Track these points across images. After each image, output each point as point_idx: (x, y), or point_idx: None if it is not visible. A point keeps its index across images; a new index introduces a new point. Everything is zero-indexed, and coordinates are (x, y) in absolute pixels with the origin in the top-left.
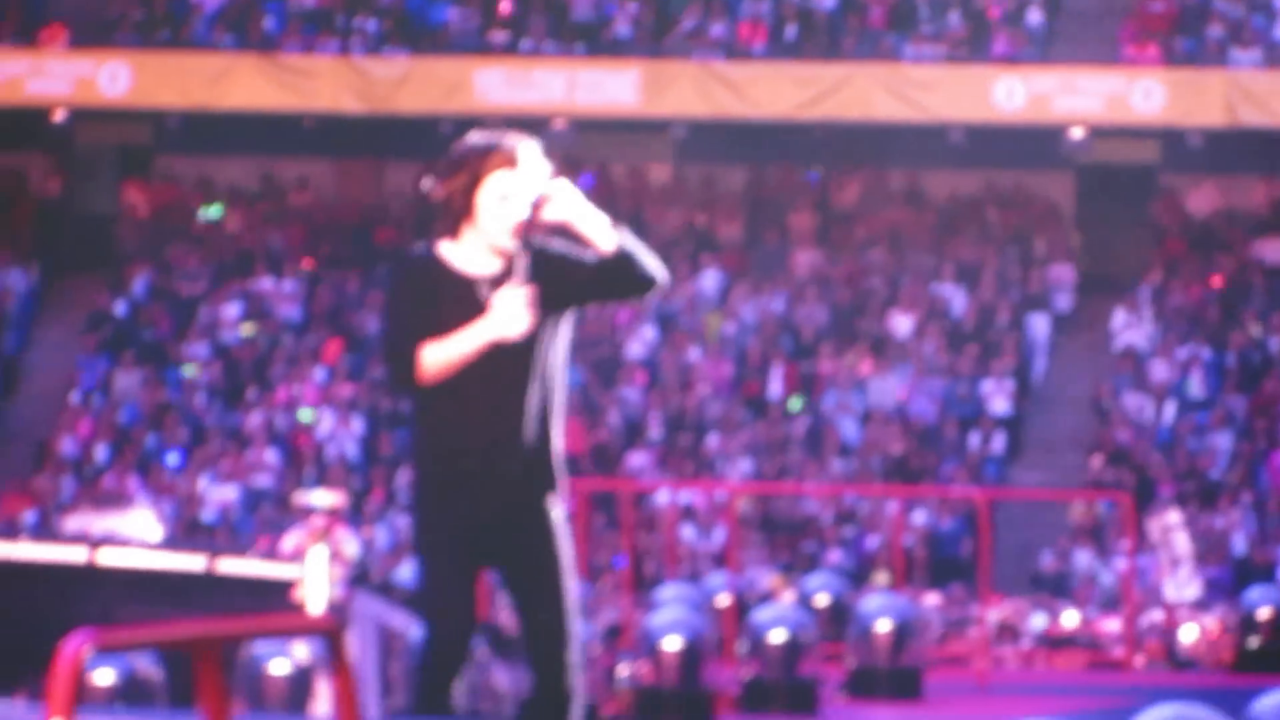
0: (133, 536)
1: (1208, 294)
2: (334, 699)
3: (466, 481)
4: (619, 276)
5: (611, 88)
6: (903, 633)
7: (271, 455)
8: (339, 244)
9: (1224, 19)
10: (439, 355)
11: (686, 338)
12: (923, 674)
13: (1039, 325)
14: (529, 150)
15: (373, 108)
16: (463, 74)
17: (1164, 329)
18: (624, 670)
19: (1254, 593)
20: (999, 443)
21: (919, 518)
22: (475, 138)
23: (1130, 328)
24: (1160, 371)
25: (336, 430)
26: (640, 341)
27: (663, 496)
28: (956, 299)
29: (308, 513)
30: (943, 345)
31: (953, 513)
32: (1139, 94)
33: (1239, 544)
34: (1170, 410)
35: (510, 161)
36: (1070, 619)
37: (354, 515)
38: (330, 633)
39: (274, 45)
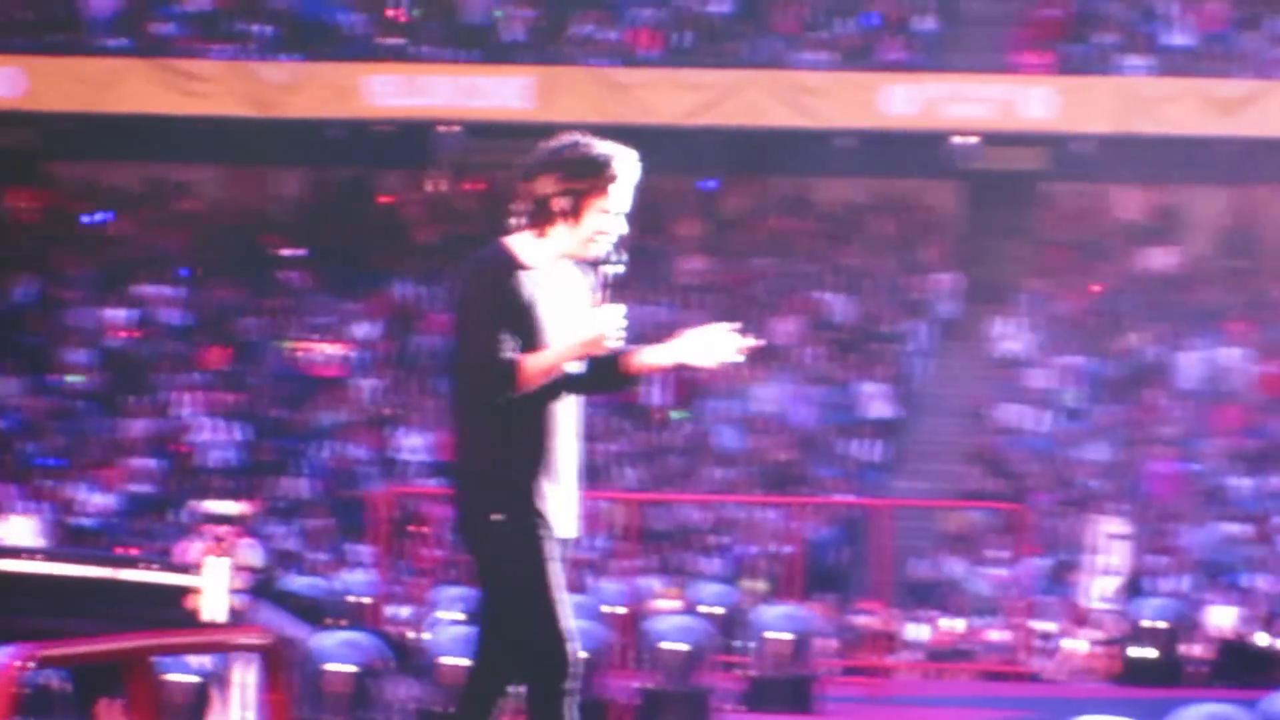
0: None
1: (1088, 302)
2: (269, 715)
3: (562, 497)
4: None
5: (503, 93)
6: (799, 643)
7: (152, 462)
8: (224, 250)
9: (1116, 26)
10: (540, 365)
11: None
12: (818, 685)
13: (921, 333)
14: (633, 168)
15: (263, 112)
16: (353, 79)
17: (1044, 337)
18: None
19: (1144, 604)
20: (879, 450)
21: (798, 526)
22: (591, 145)
23: (1010, 336)
24: (1039, 380)
25: (217, 437)
26: None
27: None
28: (840, 306)
29: (209, 521)
30: (825, 353)
31: (831, 521)
32: (1029, 101)
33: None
34: (1048, 419)
35: (624, 177)
36: (957, 628)
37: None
38: (269, 650)
39: (166, 50)
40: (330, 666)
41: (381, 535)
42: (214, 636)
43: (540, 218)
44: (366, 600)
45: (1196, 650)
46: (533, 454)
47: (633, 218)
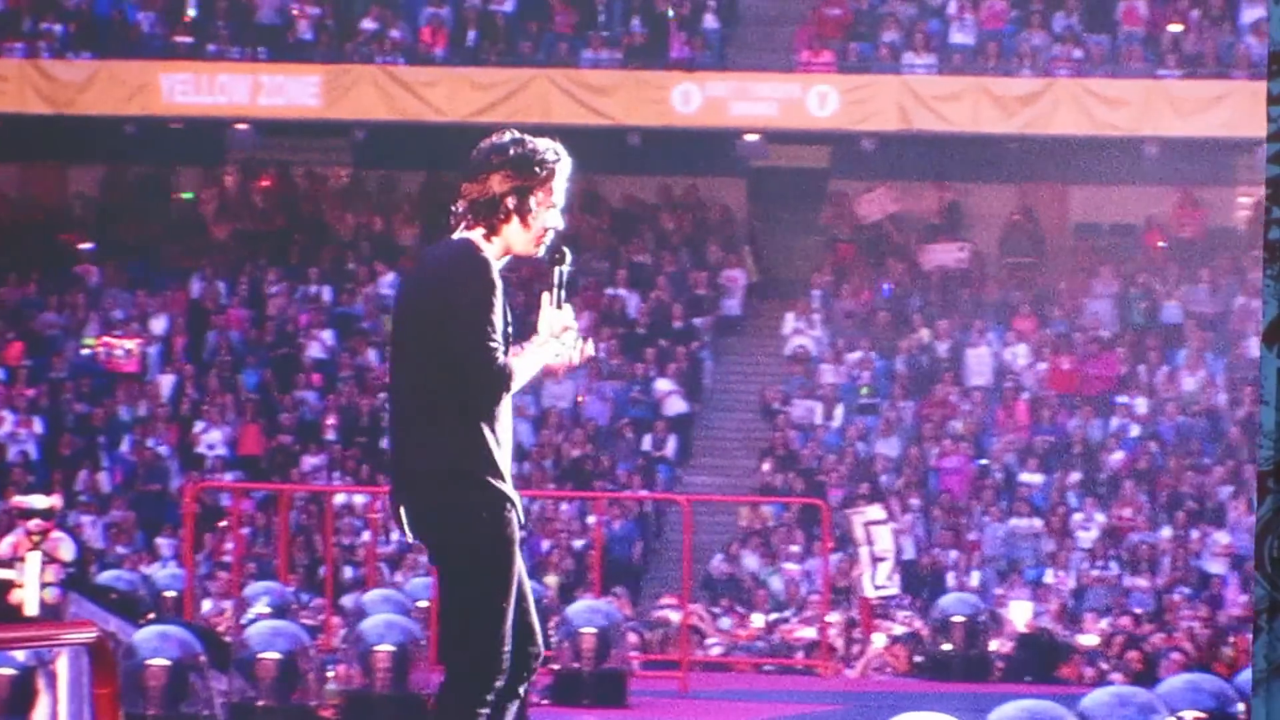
0: None
1: (877, 298)
2: (96, 710)
3: (510, 486)
4: None
5: (293, 91)
6: (607, 638)
7: None
8: (20, 246)
9: (898, 24)
10: (524, 371)
11: (364, 340)
12: (626, 679)
13: (711, 329)
14: (569, 161)
15: (58, 109)
16: (148, 77)
17: (833, 333)
18: (330, 674)
19: (946, 599)
20: (672, 446)
21: (594, 521)
22: (532, 140)
23: (800, 332)
24: (829, 375)
25: (16, 430)
26: (318, 344)
27: (339, 499)
28: (631, 302)
29: (21, 515)
30: (617, 348)
31: (625, 516)
32: (814, 99)
33: (907, 548)
34: (839, 414)
35: (565, 171)
36: (757, 622)
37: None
38: (96, 645)
39: None
40: (149, 661)
41: (188, 530)
42: (42, 630)
43: (491, 216)
44: (174, 594)
45: (995, 645)
46: (501, 452)
47: (426, 215)
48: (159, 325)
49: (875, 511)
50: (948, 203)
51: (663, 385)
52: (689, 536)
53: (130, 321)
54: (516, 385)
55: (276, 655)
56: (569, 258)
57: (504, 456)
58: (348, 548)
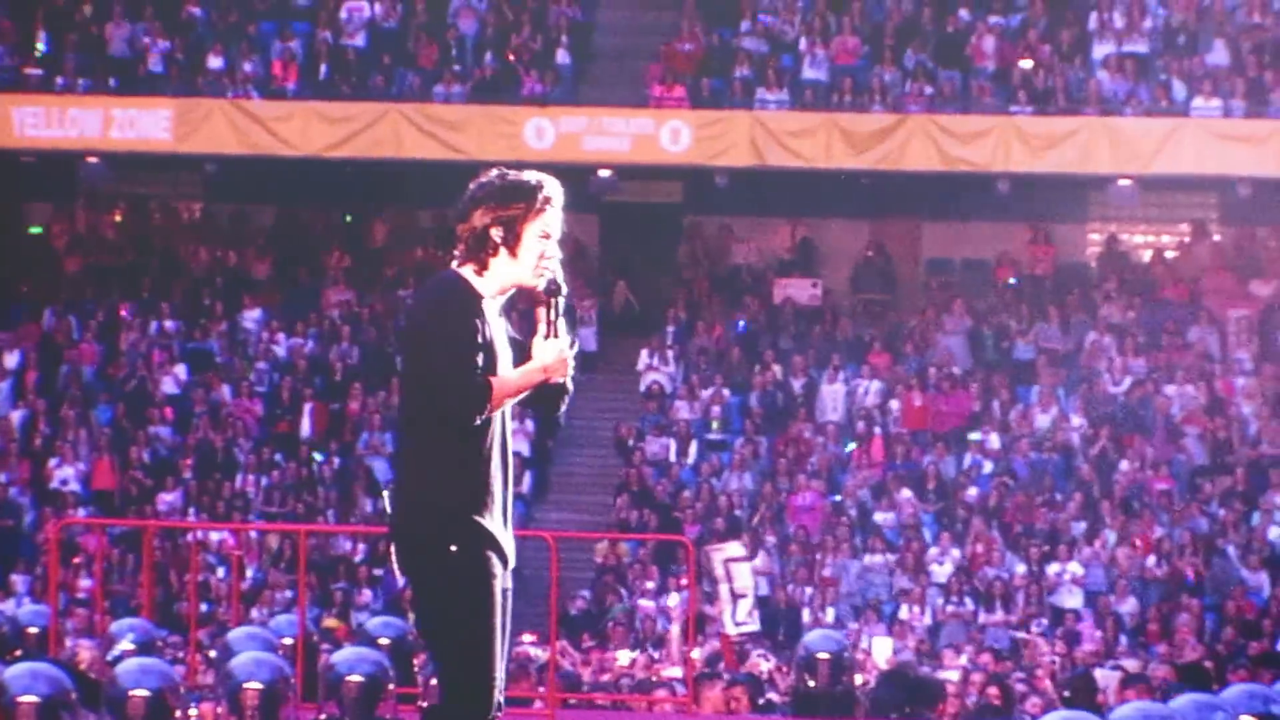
0: None
1: (731, 334)
2: None
3: (504, 528)
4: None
5: (145, 124)
6: None
7: None
8: None
9: (750, 60)
10: (506, 389)
11: (217, 376)
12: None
13: None
14: (561, 192)
15: None
16: None
17: (687, 369)
18: (194, 713)
19: (811, 635)
20: (526, 482)
21: None
22: (517, 173)
23: (654, 368)
24: (684, 411)
25: None
26: (171, 379)
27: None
28: None
29: None
30: None
31: None
32: (666, 135)
33: (761, 585)
34: (693, 450)
35: (554, 202)
36: (623, 659)
37: None
38: None
39: None
40: (20, 698)
41: (52, 566)
42: None
43: (480, 252)
44: (36, 630)
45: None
46: (484, 486)
47: (279, 249)
48: (11, 360)
49: (735, 548)
50: (800, 238)
51: (516, 423)
52: (556, 573)
53: None
54: (499, 402)
55: (146, 693)
56: (564, 288)
57: (497, 494)
58: (202, 584)
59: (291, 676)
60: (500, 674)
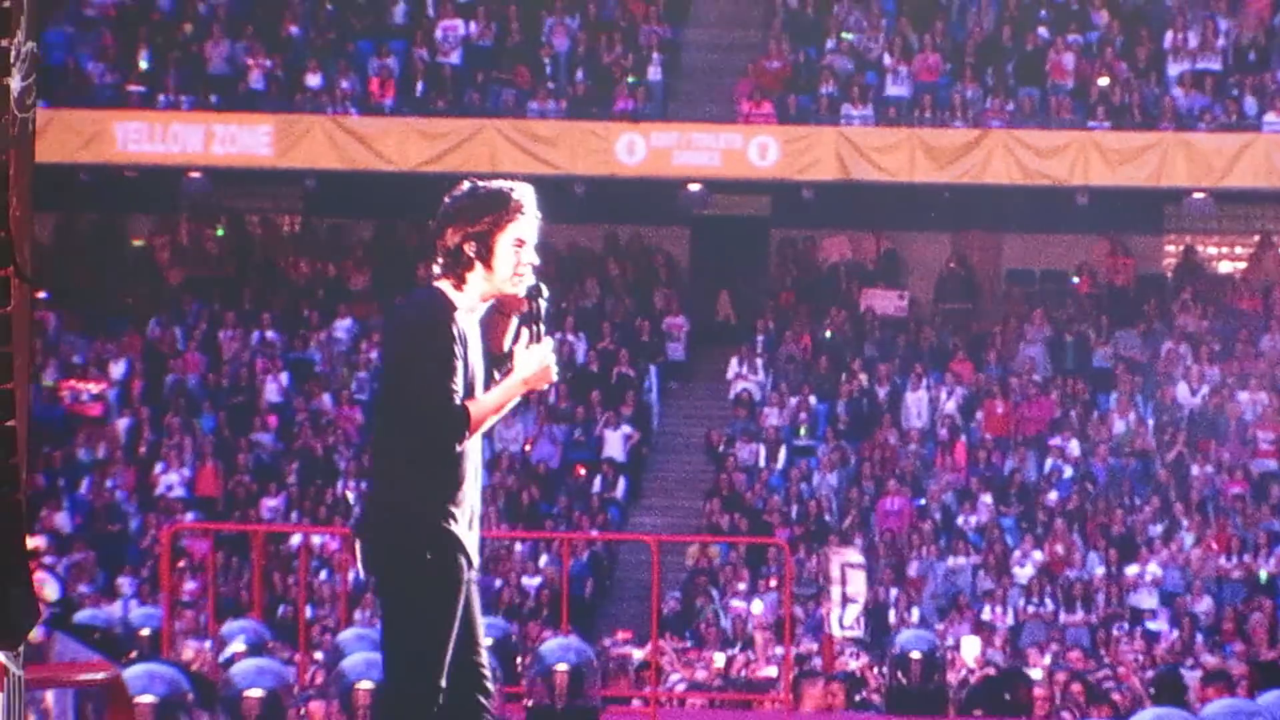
0: None
1: (818, 343)
2: None
3: (464, 528)
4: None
5: (245, 140)
6: (580, 675)
7: None
8: None
9: (835, 77)
10: (486, 410)
11: (319, 384)
12: (598, 715)
13: (658, 373)
14: (532, 197)
15: None
16: (102, 125)
17: (776, 377)
18: (303, 713)
19: (903, 635)
20: (620, 487)
21: (544, 560)
22: (485, 185)
23: (743, 376)
24: (772, 418)
25: None
26: (274, 387)
27: (296, 539)
28: (578, 348)
29: None
30: (566, 392)
31: (574, 554)
32: (754, 150)
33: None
34: (782, 456)
35: (524, 208)
36: (718, 660)
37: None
38: (110, 685)
39: None
40: (138, 698)
41: (163, 569)
42: (63, 671)
43: (456, 267)
44: (147, 632)
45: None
46: (455, 490)
47: (377, 261)
48: (117, 370)
49: (854, 555)
50: (884, 250)
51: (610, 427)
52: (657, 575)
53: (88, 366)
54: (482, 423)
55: (261, 692)
56: (545, 292)
57: (467, 495)
58: (307, 587)
59: None
60: (484, 658)
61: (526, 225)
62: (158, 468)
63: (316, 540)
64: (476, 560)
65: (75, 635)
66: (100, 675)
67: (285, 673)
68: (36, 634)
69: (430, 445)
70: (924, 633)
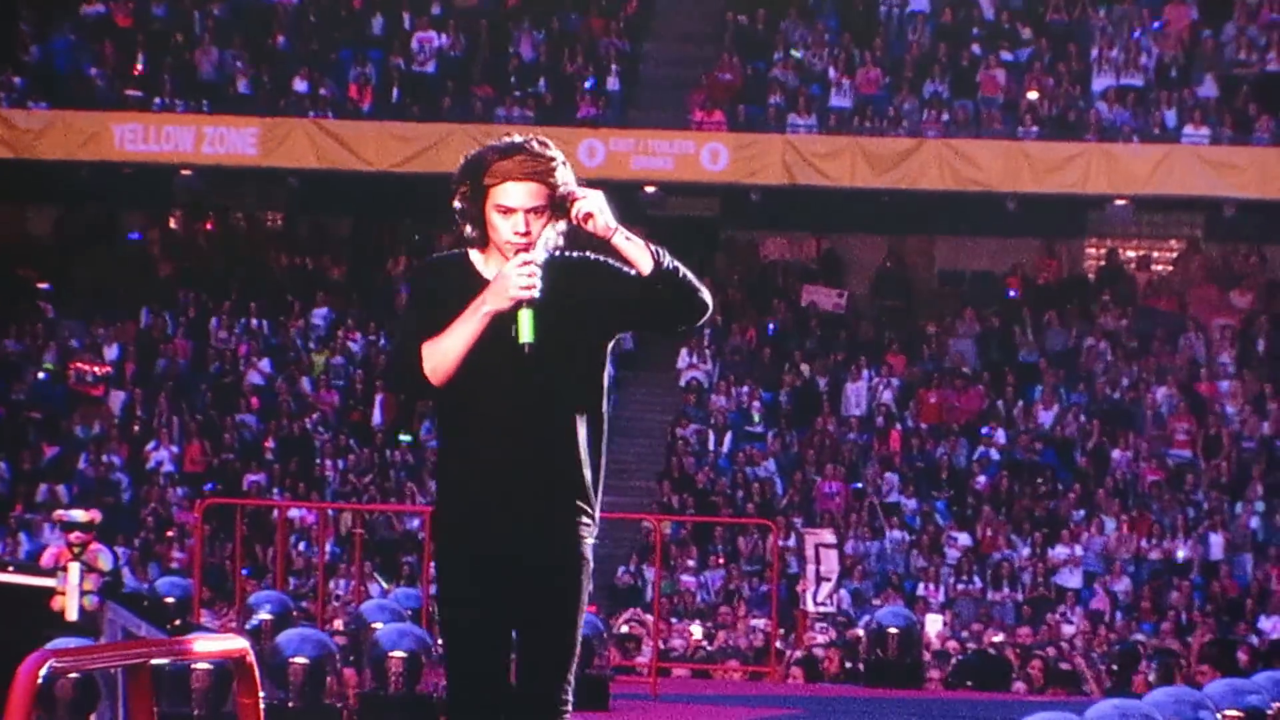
0: None
1: (762, 337)
2: (241, 717)
3: (484, 512)
4: (664, 300)
5: (233, 141)
6: (590, 645)
7: None
8: None
9: (783, 89)
10: (439, 344)
11: (298, 369)
12: (608, 684)
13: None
14: (527, 157)
15: (17, 154)
16: (101, 126)
17: (723, 367)
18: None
19: (880, 611)
20: None
21: None
22: (481, 149)
23: (694, 366)
24: (720, 405)
25: None
26: (257, 372)
27: (276, 513)
28: None
29: (64, 527)
30: None
31: None
32: (706, 155)
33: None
34: (729, 440)
35: (506, 172)
36: (696, 632)
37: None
38: (241, 658)
39: None
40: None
41: (196, 542)
42: (192, 643)
43: (464, 238)
44: (171, 601)
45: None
46: (455, 464)
47: (354, 256)
48: (111, 353)
49: (828, 536)
50: (825, 250)
51: None
52: (660, 556)
53: (85, 350)
54: (443, 360)
55: (305, 660)
56: (566, 253)
57: (471, 474)
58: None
59: (433, 646)
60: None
61: (512, 190)
62: (149, 444)
63: (294, 514)
64: (500, 535)
65: (125, 604)
66: (230, 647)
67: (328, 641)
68: (91, 602)
69: (394, 391)
70: (899, 608)
